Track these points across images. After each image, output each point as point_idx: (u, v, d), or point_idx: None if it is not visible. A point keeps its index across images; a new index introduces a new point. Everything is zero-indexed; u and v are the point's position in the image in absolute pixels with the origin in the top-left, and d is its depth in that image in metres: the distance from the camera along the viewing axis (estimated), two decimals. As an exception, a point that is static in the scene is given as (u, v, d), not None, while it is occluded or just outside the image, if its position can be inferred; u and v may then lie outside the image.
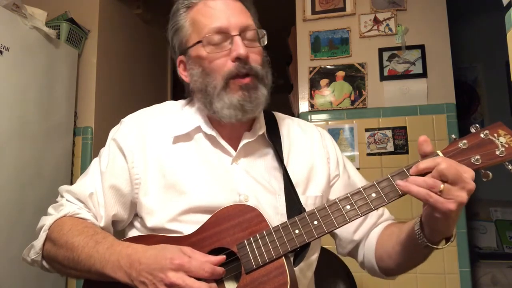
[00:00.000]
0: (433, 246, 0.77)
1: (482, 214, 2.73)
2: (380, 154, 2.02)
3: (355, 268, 1.12)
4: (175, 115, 0.97)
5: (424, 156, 0.75)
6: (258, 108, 0.89)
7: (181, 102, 1.02)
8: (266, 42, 0.92)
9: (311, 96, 2.16)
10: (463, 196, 0.68)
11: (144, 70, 2.96)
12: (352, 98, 2.11)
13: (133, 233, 0.94)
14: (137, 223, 0.93)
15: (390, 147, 2.01)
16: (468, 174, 0.69)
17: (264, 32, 0.92)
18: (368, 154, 2.04)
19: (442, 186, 0.68)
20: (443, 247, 0.77)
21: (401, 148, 2.00)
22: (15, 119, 1.82)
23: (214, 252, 0.78)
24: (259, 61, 0.89)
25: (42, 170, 1.99)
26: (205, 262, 0.72)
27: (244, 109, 0.86)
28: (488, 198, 2.74)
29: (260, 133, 0.94)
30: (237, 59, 0.85)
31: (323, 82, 2.16)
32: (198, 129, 0.93)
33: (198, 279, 0.72)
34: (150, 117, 0.97)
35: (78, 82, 2.32)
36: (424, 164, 0.72)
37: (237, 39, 0.86)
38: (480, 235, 2.69)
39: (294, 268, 0.80)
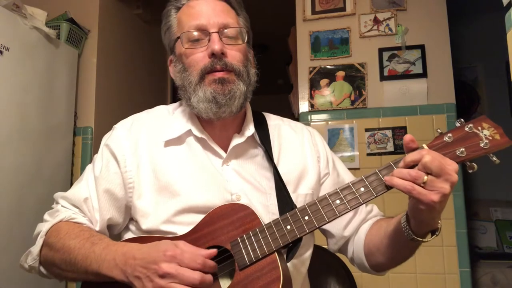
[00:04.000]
0: (419, 239, 0.79)
1: (482, 214, 2.73)
2: (380, 154, 2.02)
3: (354, 268, 1.12)
4: (166, 120, 0.99)
5: (410, 151, 0.76)
6: (233, 102, 0.89)
7: (172, 106, 1.04)
8: (245, 40, 0.93)
9: (311, 96, 2.16)
10: (446, 188, 0.70)
11: (144, 70, 2.96)
12: (352, 98, 2.11)
13: (128, 236, 0.95)
14: (132, 227, 0.95)
15: (390, 147, 2.02)
16: (451, 166, 0.71)
17: (244, 30, 0.94)
18: (368, 154, 2.04)
19: (425, 177, 0.70)
20: (429, 240, 0.79)
21: (401, 148, 2.00)
22: (15, 119, 1.82)
23: None
24: (239, 58, 0.91)
25: (42, 170, 1.99)
26: (197, 254, 0.74)
27: (217, 101, 0.88)
28: (488, 198, 2.74)
29: (249, 134, 0.96)
30: (213, 55, 0.87)
31: (323, 82, 2.16)
32: (189, 133, 0.94)
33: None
34: (142, 122, 0.98)
35: (78, 82, 2.32)
36: (410, 157, 0.74)
37: (214, 36, 0.88)
38: (480, 235, 2.70)
39: (288, 264, 0.81)
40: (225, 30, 0.90)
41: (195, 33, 0.89)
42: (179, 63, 0.93)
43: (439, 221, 0.79)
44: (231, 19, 0.92)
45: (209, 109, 0.88)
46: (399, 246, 0.86)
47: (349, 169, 1.10)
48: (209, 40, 0.88)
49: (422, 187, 0.71)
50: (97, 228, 0.90)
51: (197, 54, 0.89)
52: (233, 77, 0.89)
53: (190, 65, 0.90)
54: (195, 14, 0.91)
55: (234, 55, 0.90)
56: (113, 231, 0.96)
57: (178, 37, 0.92)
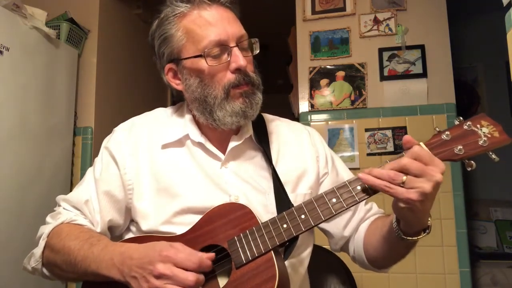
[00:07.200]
0: (408, 238, 0.79)
1: (482, 214, 2.73)
2: (380, 154, 2.02)
3: (355, 268, 1.12)
4: (165, 122, 1.00)
5: (408, 149, 0.76)
6: (257, 113, 0.92)
7: (171, 108, 1.05)
8: (258, 50, 0.94)
9: (311, 96, 2.16)
10: (426, 187, 0.69)
11: (144, 70, 2.96)
12: (352, 98, 2.11)
13: (129, 237, 0.95)
14: (133, 228, 0.96)
15: (390, 147, 2.01)
16: (435, 167, 0.70)
17: (257, 40, 0.94)
18: (368, 154, 2.04)
19: (404, 178, 0.70)
20: (419, 238, 0.79)
21: (401, 148, 1.99)
22: (15, 119, 1.82)
23: (207, 249, 0.81)
24: (253, 68, 0.92)
25: (42, 170, 1.99)
26: (192, 253, 0.74)
27: (246, 115, 0.90)
28: (488, 198, 2.74)
29: (247, 136, 0.96)
30: (237, 70, 0.88)
31: (323, 82, 2.15)
32: (188, 137, 0.95)
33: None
34: (142, 125, 1.00)
35: (78, 82, 2.32)
36: (390, 165, 0.73)
37: (236, 51, 0.88)
38: (480, 235, 2.70)
39: (285, 263, 0.81)
40: (241, 43, 0.90)
41: (216, 49, 0.87)
42: (194, 77, 0.91)
43: (429, 219, 0.78)
44: (243, 30, 0.92)
45: (236, 121, 0.90)
46: (394, 245, 0.86)
47: (349, 169, 1.10)
48: (228, 54, 0.88)
49: (402, 186, 0.70)
50: (98, 230, 0.91)
51: (220, 69, 0.88)
52: (253, 88, 0.91)
53: (213, 81, 0.89)
54: (211, 27, 0.88)
55: (250, 67, 0.91)
56: (114, 233, 0.97)
57: (200, 55, 0.88)
